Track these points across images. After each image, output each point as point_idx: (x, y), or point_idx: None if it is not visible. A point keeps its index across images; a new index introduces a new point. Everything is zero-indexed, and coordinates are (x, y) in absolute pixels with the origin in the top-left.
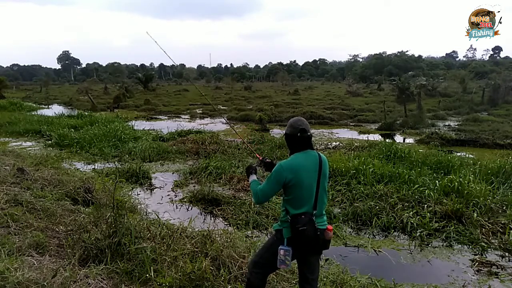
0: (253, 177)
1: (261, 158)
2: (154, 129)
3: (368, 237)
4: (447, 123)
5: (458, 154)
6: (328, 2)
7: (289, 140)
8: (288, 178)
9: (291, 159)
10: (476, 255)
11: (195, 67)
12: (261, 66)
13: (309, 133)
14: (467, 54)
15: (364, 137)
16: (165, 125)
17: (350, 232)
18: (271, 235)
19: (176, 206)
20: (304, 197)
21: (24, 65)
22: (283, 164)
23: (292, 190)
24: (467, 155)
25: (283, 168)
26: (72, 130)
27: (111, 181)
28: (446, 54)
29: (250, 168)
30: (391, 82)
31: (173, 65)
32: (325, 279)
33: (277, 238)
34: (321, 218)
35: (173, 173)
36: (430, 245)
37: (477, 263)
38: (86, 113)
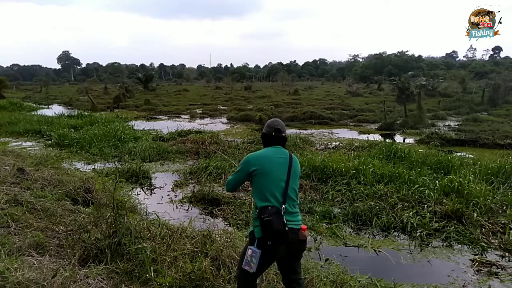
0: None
1: None
2: (154, 129)
3: (368, 237)
4: (447, 123)
5: (458, 154)
6: (328, 2)
7: (264, 139)
8: (252, 166)
9: (259, 151)
10: (476, 255)
11: (195, 67)
12: (261, 66)
13: (283, 134)
14: (467, 54)
15: (364, 137)
16: (165, 125)
17: (350, 232)
18: (248, 242)
19: (176, 206)
20: (269, 188)
21: (24, 65)
22: (249, 155)
23: (257, 179)
24: (467, 155)
25: (249, 158)
26: (72, 130)
27: (111, 181)
28: (446, 54)
29: None
30: (391, 82)
31: (173, 65)
32: (325, 279)
33: (250, 241)
34: (294, 217)
35: (173, 173)
36: (430, 245)
37: (477, 263)
38: (86, 113)
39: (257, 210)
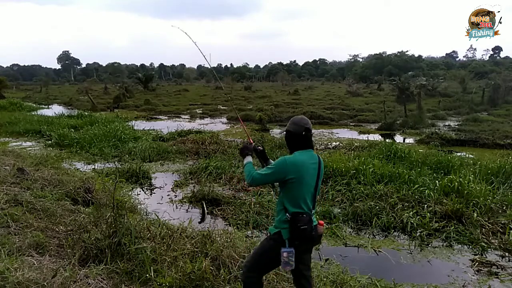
0: (249, 159)
1: (253, 143)
2: (154, 129)
3: (368, 237)
4: (447, 123)
5: (458, 154)
6: (328, 2)
7: (292, 138)
8: (290, 174)
9: (296, 156)
10: (476, 255)
11: (195, 67)
12: (261, 66)
13: (311, 133)
14: (467, 54)
15: (364, 137)
16: (165, 125)
17: (350, 232)
18: (267, 238)
19: (176, 206)
20: (303, 195)
21: (24, 65)
22: (287, 159)
23: (292, 187)
24: (467, 155)
25: (287, 164)
26: (72, 130)
27: (111, 181)
28: (446, 54)
29: (246, 148)
30: (391, 82)
31: (173, 65)
32: (325, 279)
33: (275, 242)
34: (313, 216)
35: (173, 173)
36: (430, 245)
37: (477, 263)
38: (86, 113)
39: (287, 215)
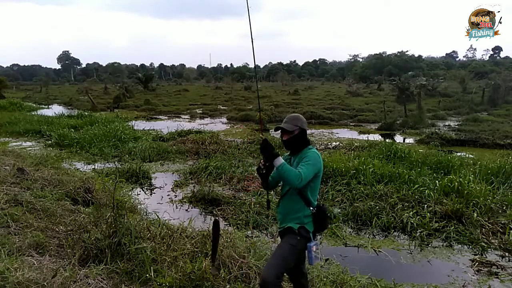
0: (282, 160)
1: (274, 152)
2: (154, 129)
3: (368, 237)
4: (447, 123)
5: (458, 154)
6: (328, 2)
7: (304, 136)
8: (321, 167)
9: (317, 151)
10: (476, 255)
11: (195, 67)
12: (261, 66)
13: None
14: (467, 54)
15: (364, 137)
16: (165, 125)
17: (350, 232)
18: (292, 236)
19: (176, 206)
20: (318, 189)
21: (24, 65)
22: (318, 154)
23: (316, 181)
24: (467, 155)
25: (320, 158)
26: (72, 130)
27: (111, 181)
28: (446, 54)
29: (273, 148)
30: (391, 82)
31: (173, 65)
32: (325, 279)
33: (302, 237)
34: None
35: (173, 173)
36: (430, 245)
37: (477, 263)
38: (86, 113)
39: (311, 208)
